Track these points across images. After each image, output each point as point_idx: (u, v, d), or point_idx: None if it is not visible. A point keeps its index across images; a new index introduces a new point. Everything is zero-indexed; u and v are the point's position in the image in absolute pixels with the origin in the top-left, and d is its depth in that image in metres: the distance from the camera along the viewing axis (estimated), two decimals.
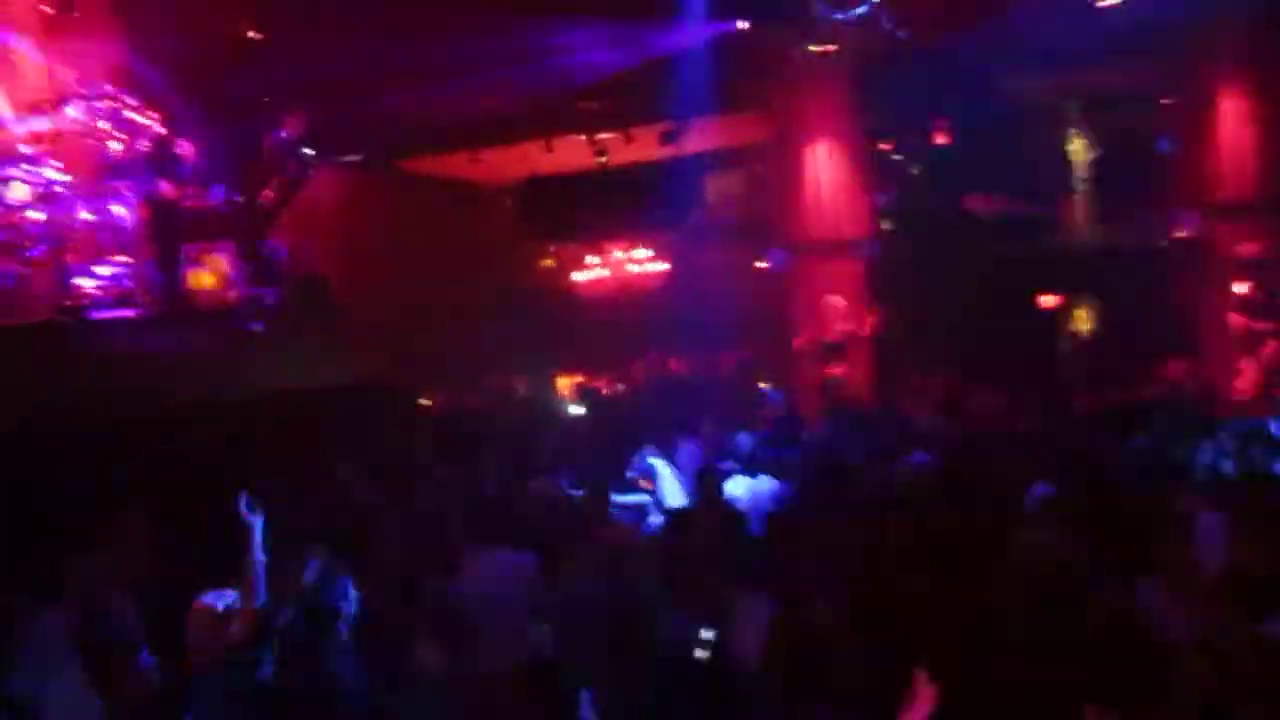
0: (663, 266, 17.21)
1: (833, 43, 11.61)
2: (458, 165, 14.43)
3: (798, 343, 12.23)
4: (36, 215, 7.97)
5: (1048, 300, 14.30)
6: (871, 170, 12.88)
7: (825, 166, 12.32)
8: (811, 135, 12.36)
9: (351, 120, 12.06)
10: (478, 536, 5.82)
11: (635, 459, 7.85)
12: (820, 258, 12.32)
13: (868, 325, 12.17)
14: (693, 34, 11.36)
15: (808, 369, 12.12)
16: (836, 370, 12.00)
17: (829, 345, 12.04)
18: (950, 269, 13.31)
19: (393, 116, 12.13)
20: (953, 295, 13.04)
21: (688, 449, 8.46)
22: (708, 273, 15.29)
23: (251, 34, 11.45)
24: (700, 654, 4.00)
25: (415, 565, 5.63)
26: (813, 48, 11.74)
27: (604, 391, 12.62)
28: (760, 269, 13.55)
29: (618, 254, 17.31)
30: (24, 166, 8.06)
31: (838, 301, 12.09)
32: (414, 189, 14.39)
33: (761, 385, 12.43)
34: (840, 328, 12.04)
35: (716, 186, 16.39)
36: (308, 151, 11.80)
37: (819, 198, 12.32)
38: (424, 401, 11.91)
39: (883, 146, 14.05)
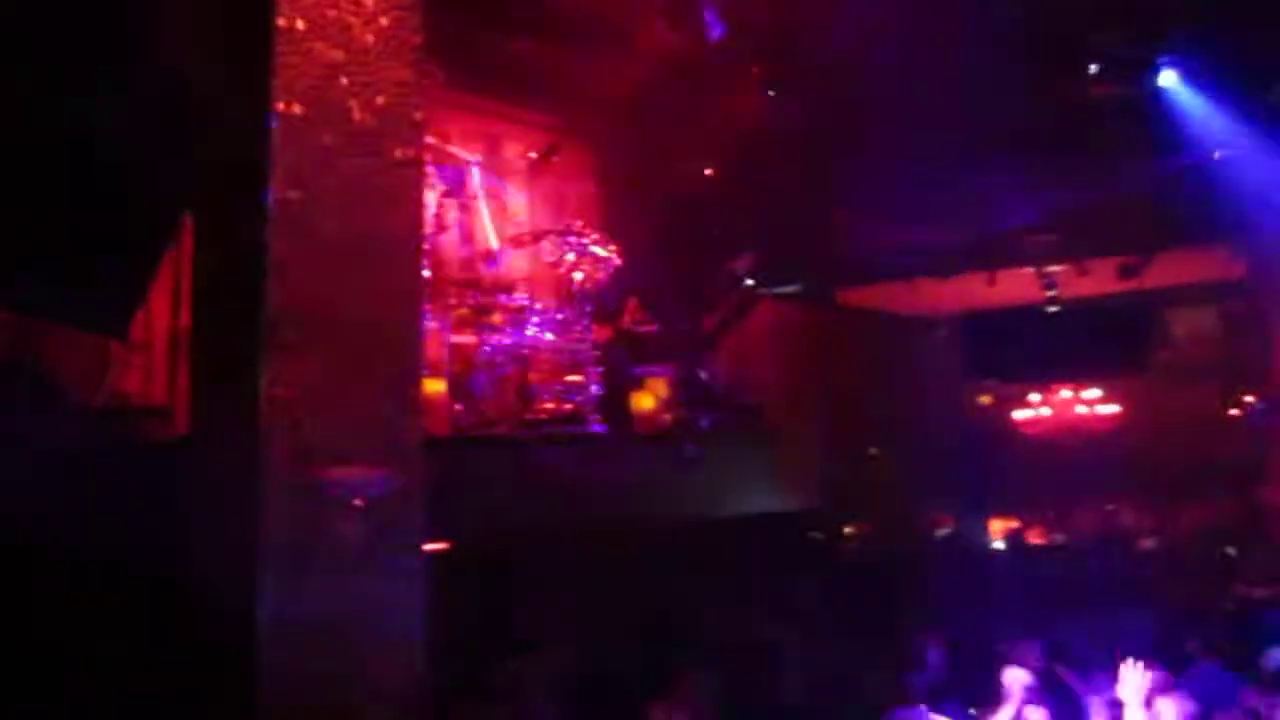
0: (1115, 409, 15.85)
1: None
2: (895, 296, 14.30)
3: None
4: (508, 338, 8.85)
5: None
6: None
7: None
8: None
9: (795, 254, 12.35)
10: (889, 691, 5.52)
11: None
12: None
13: None
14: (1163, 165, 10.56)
15: None
16: None
17: None
18: None
19: (835, 250, 12.28)
20: None
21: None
22: (1169, 418, 13.89)
23: (708, 171, 12.14)
24: None
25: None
26: None
27: (1036, 540, 11.66)
28: (1234, 416, 12.08)
29: (1064, 393, 16.19)
30: (502, 295, 9.01)
31: None
32: (850, 320, 14.43)
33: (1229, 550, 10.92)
34: None
35: (1184, 325, 14.98)
36: (750, 283, 12.22)
37: None
38: (848, 532, 11.71)
39: None
